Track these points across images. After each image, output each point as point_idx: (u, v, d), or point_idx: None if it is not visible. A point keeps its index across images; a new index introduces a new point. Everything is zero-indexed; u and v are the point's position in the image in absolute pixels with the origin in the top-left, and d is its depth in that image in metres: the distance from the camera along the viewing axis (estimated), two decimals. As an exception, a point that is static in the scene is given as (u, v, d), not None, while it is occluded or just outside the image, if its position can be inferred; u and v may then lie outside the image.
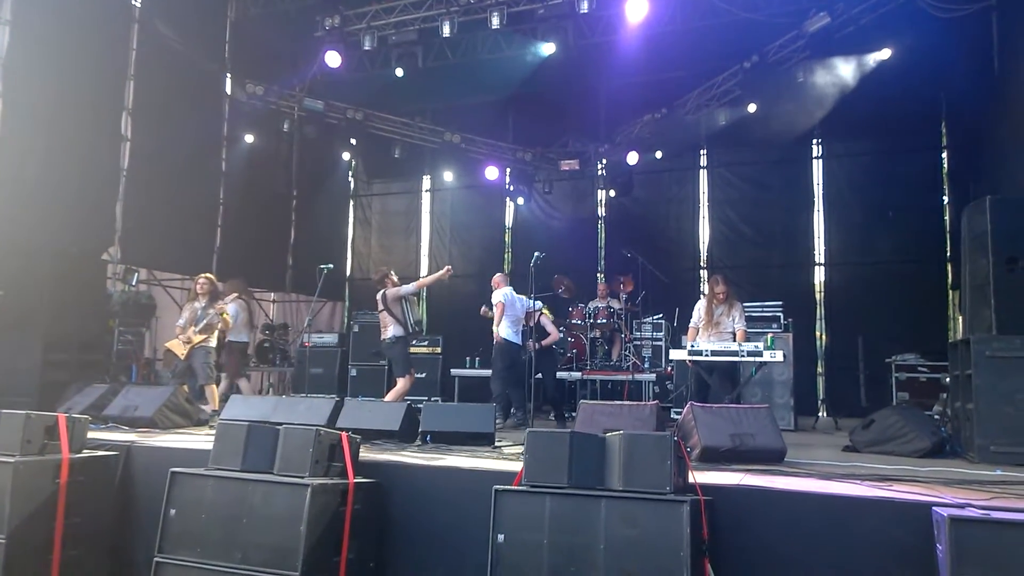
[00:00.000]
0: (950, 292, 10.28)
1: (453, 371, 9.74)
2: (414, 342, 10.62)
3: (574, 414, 6.24)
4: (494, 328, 7.68)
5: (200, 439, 5.21)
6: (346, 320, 13.81)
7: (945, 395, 7.00)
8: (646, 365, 9.33)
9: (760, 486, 3.67)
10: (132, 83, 9.63)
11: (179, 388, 6.65)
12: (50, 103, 8.23)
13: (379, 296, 7.46)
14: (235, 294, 8.43)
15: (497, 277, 8.06)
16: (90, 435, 4.74)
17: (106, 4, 9.35)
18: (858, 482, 3.78)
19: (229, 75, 11.71)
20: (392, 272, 7.67)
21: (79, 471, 4.32)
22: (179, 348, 7.19)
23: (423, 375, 9.83)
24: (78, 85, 8.60)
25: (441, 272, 7.69)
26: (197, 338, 7.15)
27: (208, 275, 7.58)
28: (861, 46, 10.01)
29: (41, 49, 8.19)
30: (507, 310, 7.64)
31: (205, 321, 7.18)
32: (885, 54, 10.01)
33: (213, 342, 7.33)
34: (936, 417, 6.60)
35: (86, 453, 4.51)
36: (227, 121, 11.69)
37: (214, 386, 7.30)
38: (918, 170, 10.69)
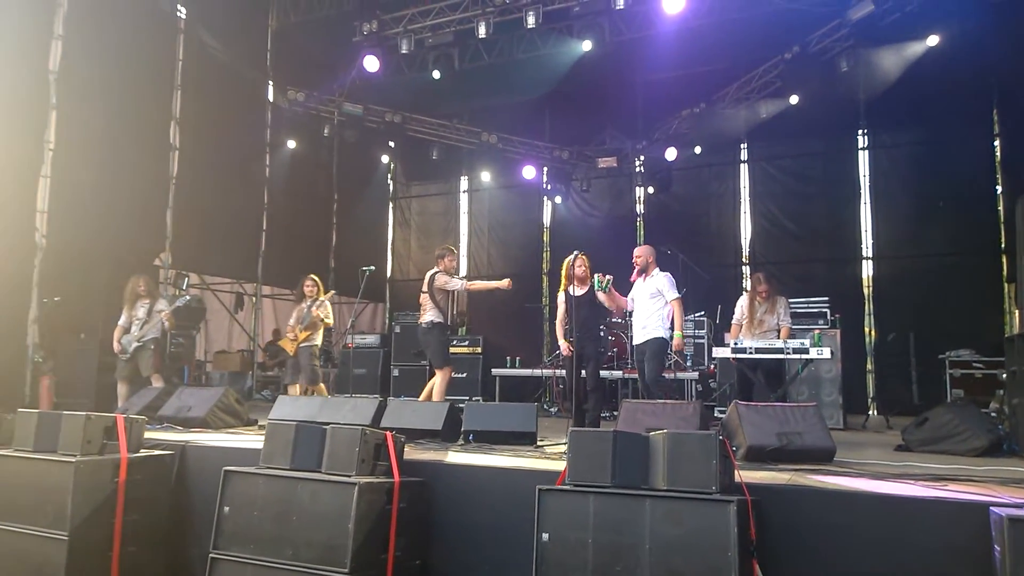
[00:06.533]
0: (1006, 285, 9.93)
1: (494, 371, 9.78)
2: (454, 340, 10.72)
3: (615, 413, 6.19)
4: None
5: (251, 439, 5.34)
6: (387, 321, 13.99)
7: (1002, 391, 6.76)
8: (688, 363, 9.23)
9: (810, 486, 3.60)
10: (179, 93, 9.93)
11: (228, 389, 6.85)
12: (102, 115, 8.52)
13: (428, 275, 6.92)
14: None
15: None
16: (146, 435, 4.91)
17: (152, 17, 9.66)
18: (912, 482, 3.68)
19: (271, 82, 11.97)
20: (456, 253, 7.24)
21: (137, 470, 4.47)
22: (288, 346, 7.62)
23: (463, 375, 9.87)
24: (128, 96, 8.89)
25: (501, 282, 6.92)
26: (302, 335, 7.51)
27: (313, 276, 7.82)
28: (908, 33, 9.72)
29: (92, 62, 8.47)
30: None
31: (309, 319, 7.52)
32: (933, 40, 9.71)
33: (318, 340, 7.62)
34: (993, 415, 6.38)
35: (143, 453, 4.66)
36: (270, 128, 11.97)
37: (322, 386, 7.67)
38: (969, 159, 10.34)
